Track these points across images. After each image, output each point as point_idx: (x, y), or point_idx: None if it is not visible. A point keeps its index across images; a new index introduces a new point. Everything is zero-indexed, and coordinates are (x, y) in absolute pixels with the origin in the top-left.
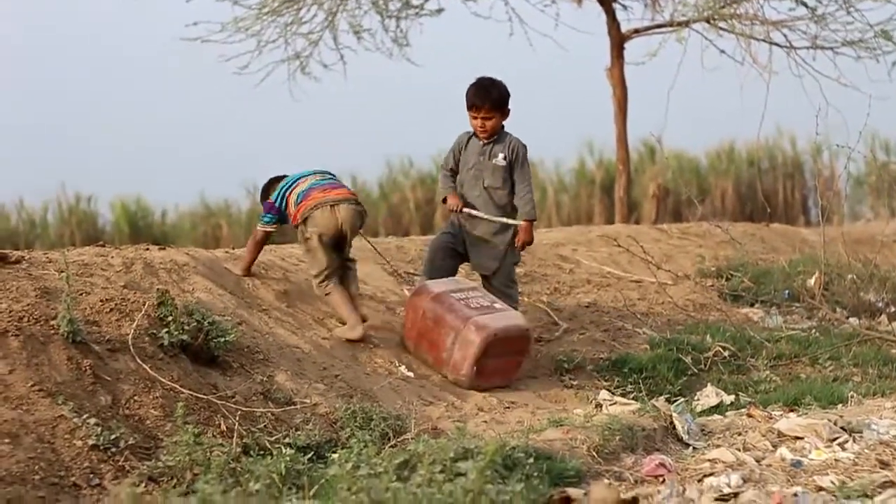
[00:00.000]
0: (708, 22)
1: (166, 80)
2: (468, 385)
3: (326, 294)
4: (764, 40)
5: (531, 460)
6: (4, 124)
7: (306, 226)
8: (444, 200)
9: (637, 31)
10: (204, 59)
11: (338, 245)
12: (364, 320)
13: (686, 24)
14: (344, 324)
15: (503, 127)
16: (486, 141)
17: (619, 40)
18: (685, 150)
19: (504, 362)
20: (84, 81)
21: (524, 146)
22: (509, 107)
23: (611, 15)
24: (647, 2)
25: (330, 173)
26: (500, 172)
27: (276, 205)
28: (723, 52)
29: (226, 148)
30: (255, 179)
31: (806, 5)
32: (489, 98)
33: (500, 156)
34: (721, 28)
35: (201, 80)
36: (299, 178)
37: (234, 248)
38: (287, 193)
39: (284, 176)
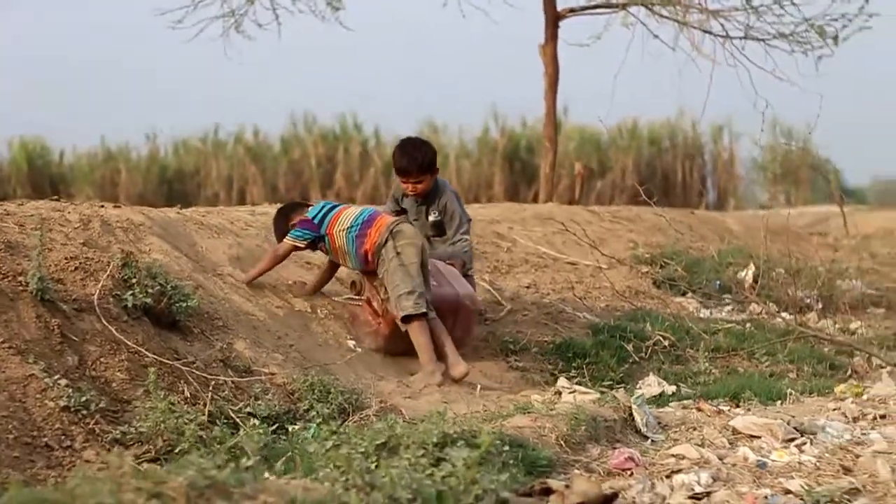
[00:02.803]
0: (645, 6)
1: (77, 19)
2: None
3: (418, 316)
4: (700, 28)
5: (506, 448)
6: None
7: (396, 240)
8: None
9: (573, 11)
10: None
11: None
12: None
13: (623, 6)
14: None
15: (435, 182)
16: (419, 201)
17: (554, 18)
18: (588, 124)
19: None
20: None
21: (454, 197)
22: (437, 166)
23: None
24: None
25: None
26: (436, 227)
27: (316, 223)
28: (657, 36)
29: (129, 92)
30: (154, 126)
31: None
32: (416, 164)
33: (434, 214)
34: (660, 15)
35: (111, 20)
36: (338, 206)
37: (180, 207)
38: (334, 213)
39: (303, 204)
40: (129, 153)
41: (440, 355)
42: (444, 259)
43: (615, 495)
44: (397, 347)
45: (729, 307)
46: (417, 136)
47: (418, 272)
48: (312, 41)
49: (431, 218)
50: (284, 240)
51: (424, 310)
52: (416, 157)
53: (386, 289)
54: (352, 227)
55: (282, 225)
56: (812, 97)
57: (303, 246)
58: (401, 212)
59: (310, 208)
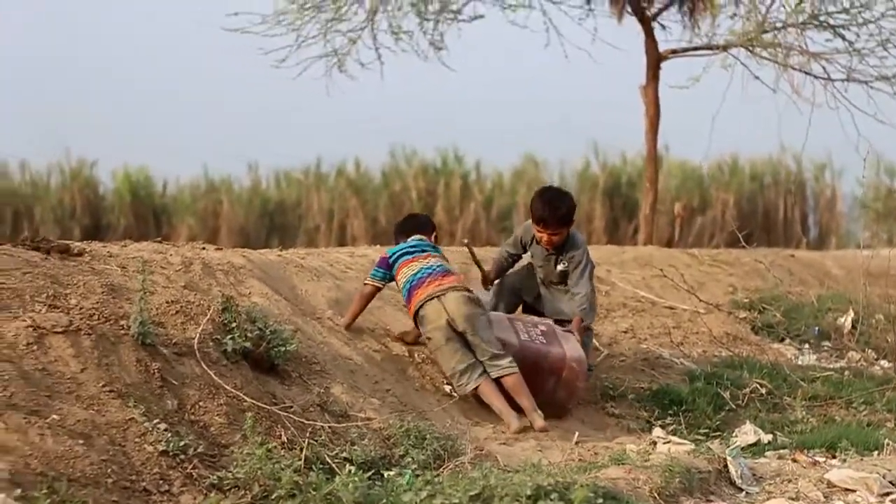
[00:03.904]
0: (746, 48)
1: (180, 55)
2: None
3: (469, 390)
4: (802, 70)
5: (600, 500)
6: (16, 83)
7: (422, 326)
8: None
9: (675, 52)
10: (220, 37)
11: (462, 337)
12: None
13: (724, 48)
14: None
15: (568, 233)
16: (549, 250)
17: (655, 59)
18: (688, 159)
19: None
20: (98, 48)
21: (584, 251)
22: (574, 218)
23: (649, 34)
24: (686, 24)
25: (441, 254)
26: (562, 276)
27: (390, 262)
28: (757, 78)
29: (232, 124)
30: (257, 157)
31: (844, 38)
32: (556, 216)
33: (562, 265)
34: (761, 56)
35: (214, 56)
36: (413, 253)
37: (281, 249)
38: (401, 262)
39: (423, 218)
40: (231, 185)
41: (519, 411)
42: (569, 315)
43: None
44: None
45: (827, 354)
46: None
47: (452, 352)
48: (413, 78)
49: (560, 268)
50: (365, 281)
51: (471, 387)
52: (559, 208)
53: None
54: (403, 287)
55: (396, 236)
56: None
57: (381, 286)
58: (517, 256)
59: (403, 241)
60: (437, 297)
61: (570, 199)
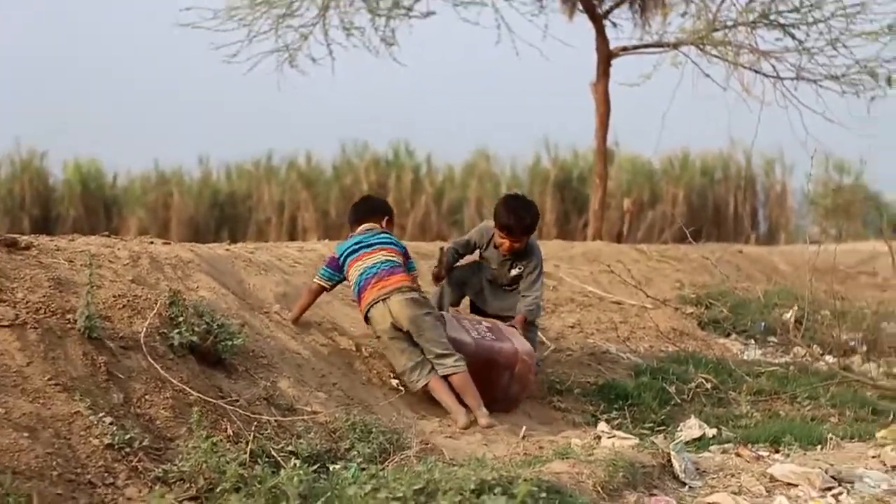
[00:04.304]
0: (697, 46)
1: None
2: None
3: (420, 387)
4: (752, 69)
5: (543, 495)
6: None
7: (371, 325)
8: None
9: (625, 49)
10: (172, 31)
11: (409, 335)
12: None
13: (675, 46)
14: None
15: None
16: (506, 255)
17: (606, 56)
18: (640, 154)
19: None
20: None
21: (539, 258)
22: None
23: (600, 31)
24: (636, 21)
25: (391, 241)
26: (514, 280)
27: (339, 262)
28: (707, 76)
29: (184, 116)
30: (208, 150)
31: (794, 37)
32: (521, 225)
33: (517, 270)
34: (711, 54)
35: (166, 49)
36: (360, 249)
37: (230, 243)
38: (349, 261)
39: (377, 202)
40: (182, 177)
41: (465, 407)
42: (513, 313)
43: None
44: None
45: (772, 349)
46: (463, 163)
47: (400, 351)
48: (365, 73)
49: (513, 273)
50: (314, 278)
51: (421, 383)
52: (524, 217)
53: None
54: (353, 286)
55: (350, 223)
56: (863, 138)
57: (329, 287)
58: (464, 255)
59: (353, 234)
60: (382, 300)
61: (534, 208)
